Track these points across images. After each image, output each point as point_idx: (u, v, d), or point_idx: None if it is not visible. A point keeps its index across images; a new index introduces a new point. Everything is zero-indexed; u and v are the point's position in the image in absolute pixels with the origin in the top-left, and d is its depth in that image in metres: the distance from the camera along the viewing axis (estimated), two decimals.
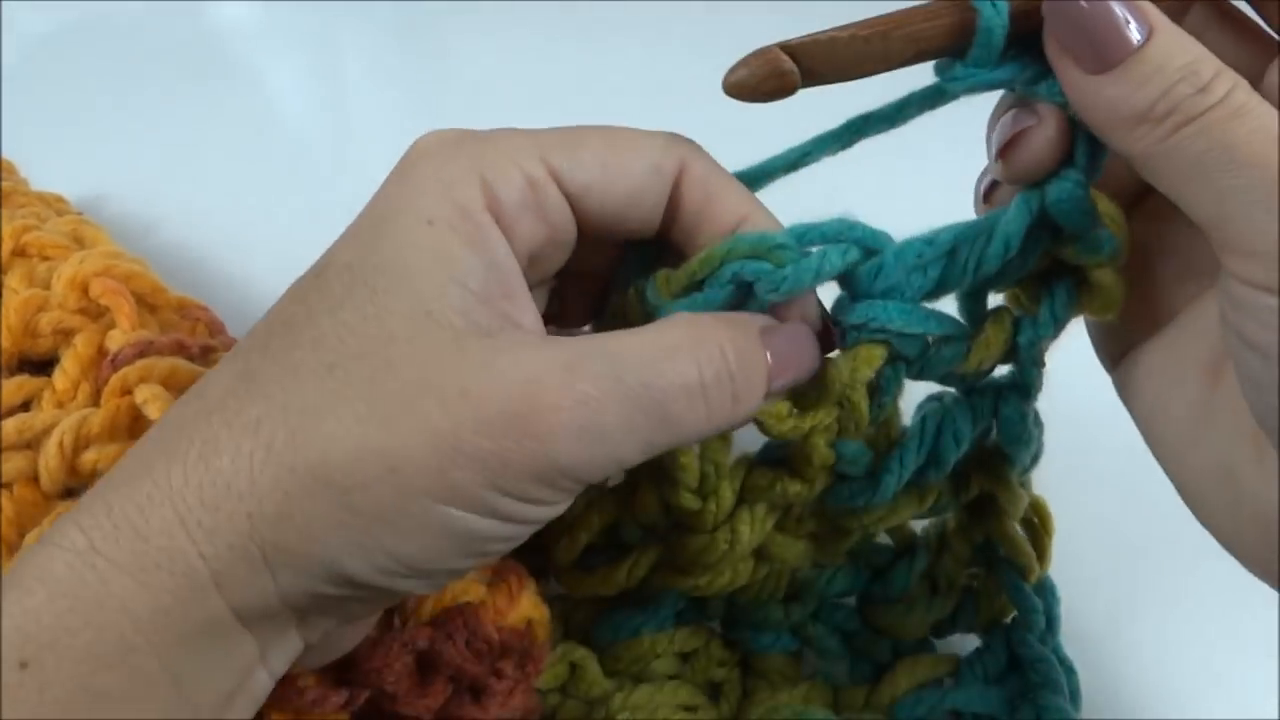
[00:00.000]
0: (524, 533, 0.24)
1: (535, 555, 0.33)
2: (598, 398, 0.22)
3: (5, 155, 0.48)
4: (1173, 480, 0.27)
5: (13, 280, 0.33)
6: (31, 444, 0.31)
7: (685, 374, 0.24)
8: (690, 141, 0.27)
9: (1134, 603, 0.40)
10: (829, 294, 0.28)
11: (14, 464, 0.30)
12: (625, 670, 0.34)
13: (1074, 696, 0.33)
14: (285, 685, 0.26)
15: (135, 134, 0.59)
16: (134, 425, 0.32)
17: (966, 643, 0.36)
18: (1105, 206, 0.26)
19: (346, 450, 0.22)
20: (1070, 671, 0.34)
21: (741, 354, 0.25)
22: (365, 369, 0.22)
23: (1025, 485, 0.33)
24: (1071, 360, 0.30)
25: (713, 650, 0.36)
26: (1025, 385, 0.30)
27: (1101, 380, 0.30)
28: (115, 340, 0.32)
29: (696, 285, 0.27)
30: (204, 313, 0.37)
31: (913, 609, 0.35)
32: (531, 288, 0.26)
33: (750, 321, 0.26)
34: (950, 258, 0.27)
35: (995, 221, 0.27)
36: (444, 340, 0.23)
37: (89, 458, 0.31)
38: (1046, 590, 0.34)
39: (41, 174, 0.48)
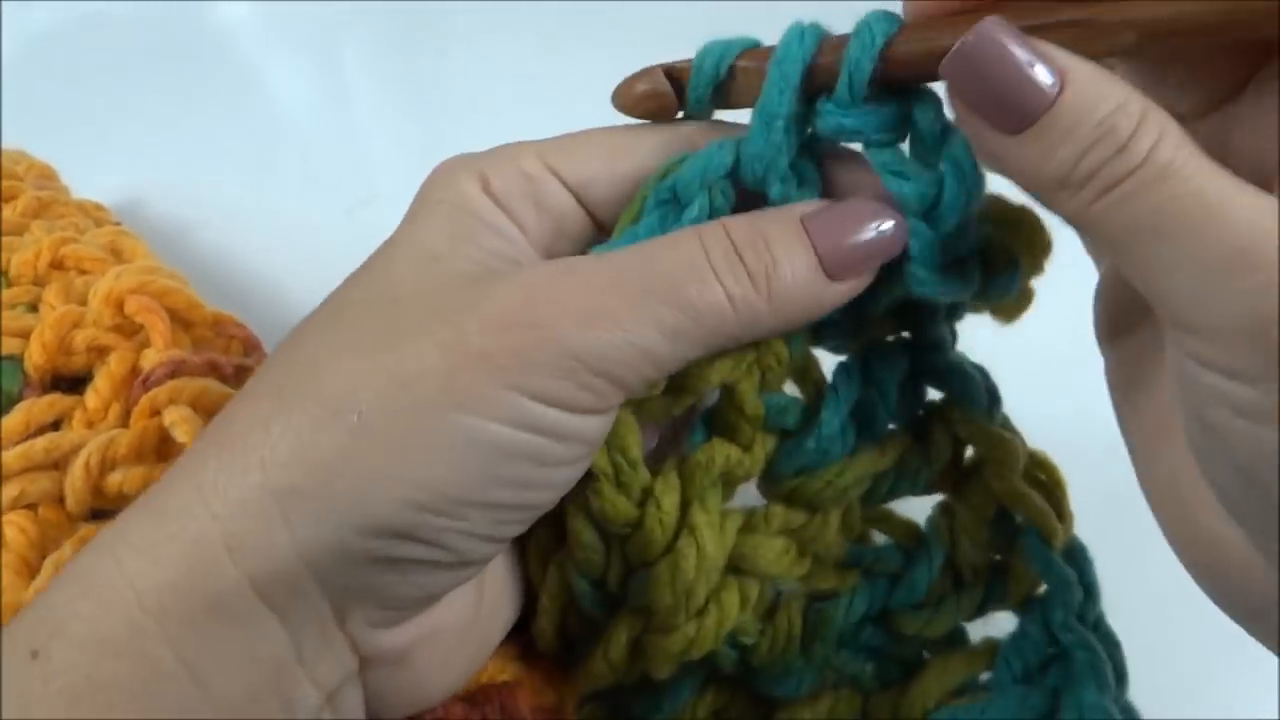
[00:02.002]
0: (561, 453, 0.23)
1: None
2: (599, 284, 0.23)
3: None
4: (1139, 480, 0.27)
5: (50, 295, 0.33)
6: (59, 464, 0.31)
7: (686, 254, 0.23)
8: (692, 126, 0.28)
9: (1128, 606, 0.40)
10: None
11: (40, 484, 0.31)
12: None
13: (1119, 674, 0.31)
14: None
15: (133, 134, 0.60)
16: (162, 447, 0.32)
17: (999, 622, 0.34)
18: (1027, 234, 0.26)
19: (353, 376, 0.21)
20: (1114, 645, 0.32)
21: (753, 232, 0.24)
22: (371, 310, 0.23)
23: (1010, 431, 0.31)
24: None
25: (739, 702, 0.33)
26: (933, 340, 0.29)
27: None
28: (149, 359, 0.32)
29: (636, 219, 0.26)
30: (239, 329, 0.37)
31: (941, 610, 0.32)
32: None
33: (786, 209, 0.25)
34: None
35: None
36: (453, 279, 0.23)
37: (115, 479, 0.31)
38: (1078, 554, 0.32)
39: None
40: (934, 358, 0.30)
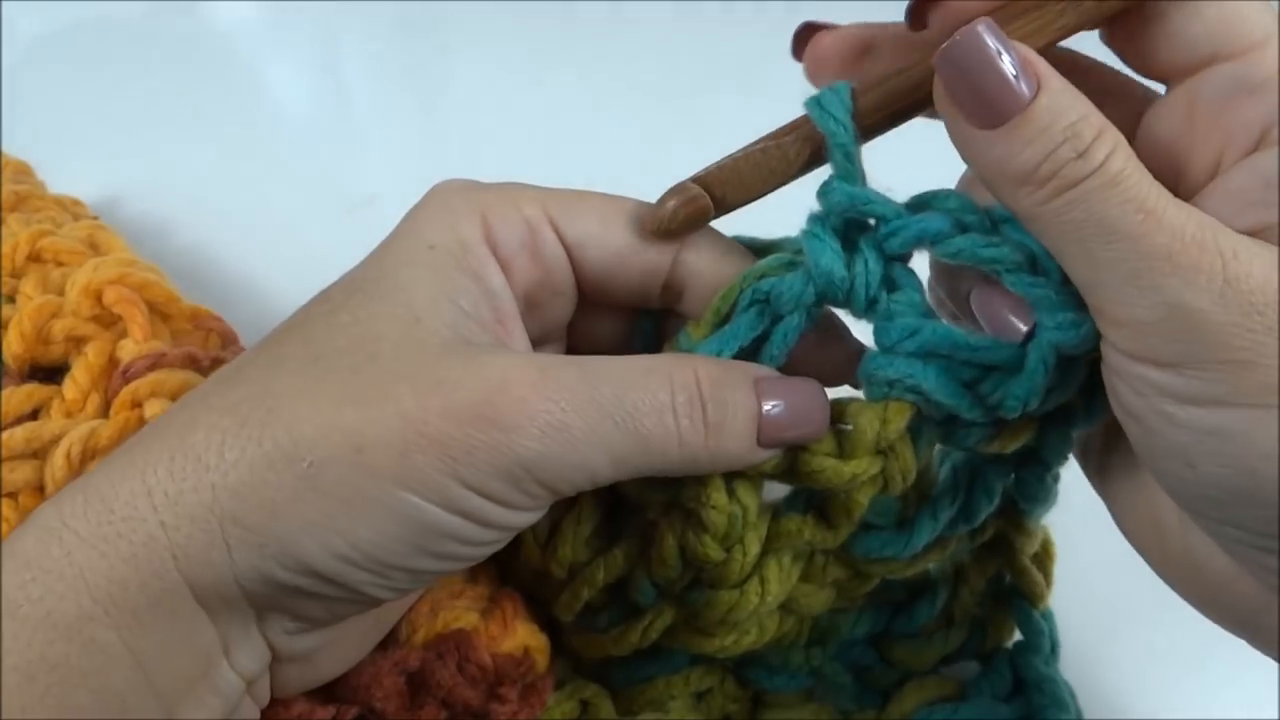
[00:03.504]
0: (488, 538, 0.25)
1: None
2: (567, 398, 0.24)
3: (6, 156, 0.49)
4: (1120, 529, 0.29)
5: (27, 286, 0.34)
6: (39, 453, 0.32)
7: (655, 391, 0.25)
8: None
9: (1129, 605, 0.41)
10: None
11: (20, 473, 0.31)
12: (639, 712, 0.35)
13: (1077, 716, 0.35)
14: (272, 705, 0.27)
15: (134, 136, 0.61)
16: None
17: (966, 670, 0.37)
18: None
19: (316, 427, 0.23)
20: (1071, 695, 0.35)
21: (719, 384, 0.26)
22: (348, 360, 0.24)
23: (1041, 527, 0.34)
24: None
25: (727, 688, 0.36)
26: (1047, 459, 0.30)
27: None
28: (127, 350, 0.33)
29: (724, 321, 0.28)
30: (217, 323, 0.38)
31: (930, 642, 0.36)
32: (538, 341, 0.29)
33: (744, 367, 0.27)
34: (984, 373, 0.27)
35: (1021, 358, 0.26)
36: (430, 343, 0.25)
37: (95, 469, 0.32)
38: (1048, 618, 0.36)
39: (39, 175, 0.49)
40: (1038, 476, 0.31)
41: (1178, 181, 0.25)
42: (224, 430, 0.23)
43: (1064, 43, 0.26)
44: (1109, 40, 0.27)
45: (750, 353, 0.28)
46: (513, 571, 0.33)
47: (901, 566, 0.32)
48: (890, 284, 0.28)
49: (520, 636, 0.31)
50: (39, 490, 0.32)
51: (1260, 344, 0.21)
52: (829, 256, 0.27)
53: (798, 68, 0.30)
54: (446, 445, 0.23)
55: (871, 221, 0.28)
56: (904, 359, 0.27)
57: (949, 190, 0.28)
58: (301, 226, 0.56)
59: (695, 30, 0.65)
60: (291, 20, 0.71)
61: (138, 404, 0.33)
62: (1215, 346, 0.22)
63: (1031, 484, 0.31)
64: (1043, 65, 0.23)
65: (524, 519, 0.25)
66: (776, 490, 0.30)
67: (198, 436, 0.23)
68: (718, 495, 0.28)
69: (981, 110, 0.23)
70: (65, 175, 0.49)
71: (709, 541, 0.28)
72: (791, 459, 0.28)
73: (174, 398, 0.33)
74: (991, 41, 0.23)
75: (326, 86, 0.68)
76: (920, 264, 0.29)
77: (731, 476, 0.28)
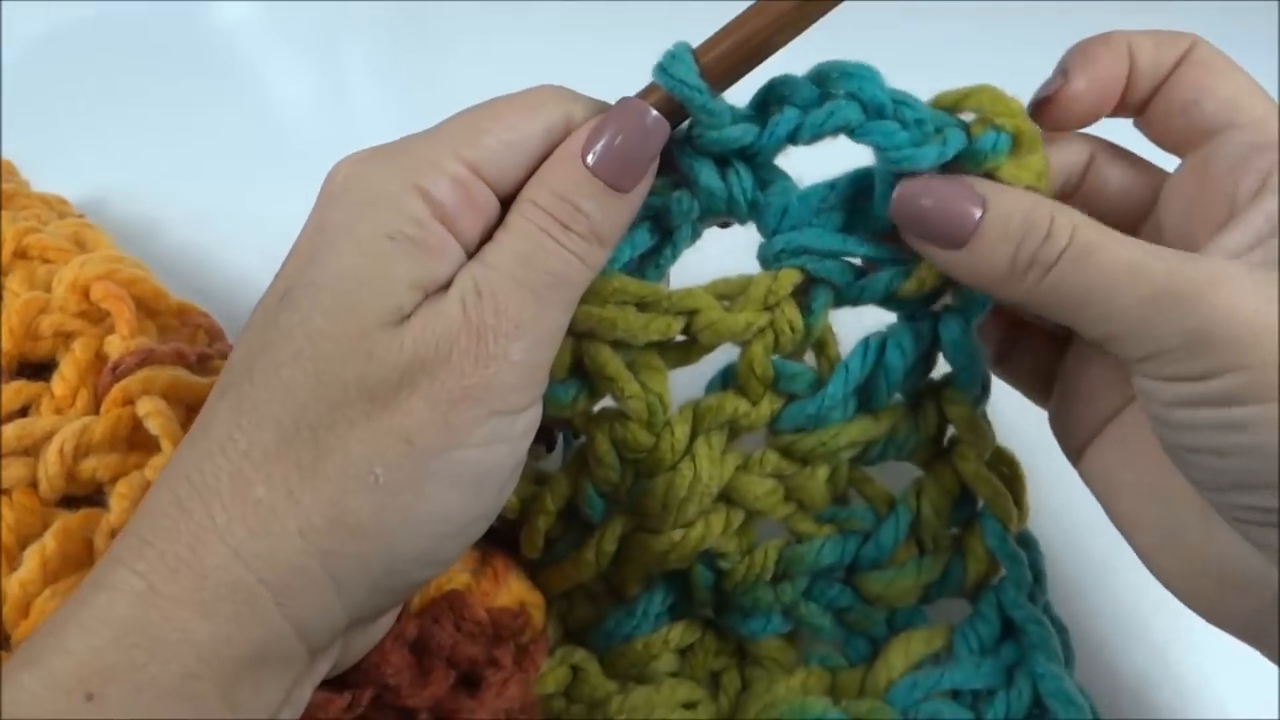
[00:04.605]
0: (513, 452, 0.28)
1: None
2: (511, 297, 0.26)
3: (5, 155, 0.49)
4: (1133, 548, 0.31)
5: (13, 283, 0.34)
6: (30, 450, 0.32)
7: (538, 241, 0.27)
8: (565, 91, 0.30)
9: (1130, 601, 0.41)
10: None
11: (13, 470, 0.32)
12: (626, 672, 0.36)
13: (1067, 656, 0.34)
14: None
15: (134, 135, 0.61)
16: (134, 435, 0.33)
17: (956, 611, 0.36)
18: (1006, 105, 0.30)
19: (364, 441, 0.25)
20: (1062, 630, 0.34)
21: (555, 198, 0.28)
22: (352, 368, 0.25)
23: (985, 422, 0.35)
24: None
25: (708, 642, 0.37)
26: (963, 306, 0.32)
27: None
28: (113, 346, 0.33)
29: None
30: (204, 319, 0.38)
31: (904, 571, 0.36)
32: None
33: (564, 155, 0.28)
34: (852, 202, 0.31)
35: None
36: (417, 330, 0.26)
37: (88, 465, 0.32)
38: (1030, 544, 0.36)
39: (40, 175, 0.50)
40: (959, 327, 0.33)
41: (1196, 228, 0.29)
42: (283, 479, 0.24)
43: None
44: (1140, 125, 0.31)
45: (643, 261, 0.32)
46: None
47: (832, 436, 0.33)
48: (763, 184, 0.31)
49: (514, 591, 0.32)
50: (32, 487, 0.32)
51: (1264, 349, 0.24)
52: (707, 173, 0.30)
53: (802, 66, 0.31)
54: (471, 394, 0.25)
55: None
56: (785, 233, 0.31)
57: (787, 76, 0.31)
58: (299, 227, 0.56)
59: (697, 30, 0.65)
60: (291, 20, 0.71)
61: (129, 401, 0.33)
62: (1228, 356, 0.25)
63: (953, 331, 0.32)
64: (981, 182, 0.28)
65: (531, 416, 0.28)
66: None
67: (259, 492, 0.24)
68: (630, 385, 0.31)
69: (945, 239, 0.28)
70: (65, 175, 0.50)
71: (635, 428, 0.32)
72: (686, 324, 0.31)
73: (165, 395, 0.33)
74: (924, 190, 0.29)
75: (325, 86, 0.68)
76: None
77: (636, 370, 0.31)
